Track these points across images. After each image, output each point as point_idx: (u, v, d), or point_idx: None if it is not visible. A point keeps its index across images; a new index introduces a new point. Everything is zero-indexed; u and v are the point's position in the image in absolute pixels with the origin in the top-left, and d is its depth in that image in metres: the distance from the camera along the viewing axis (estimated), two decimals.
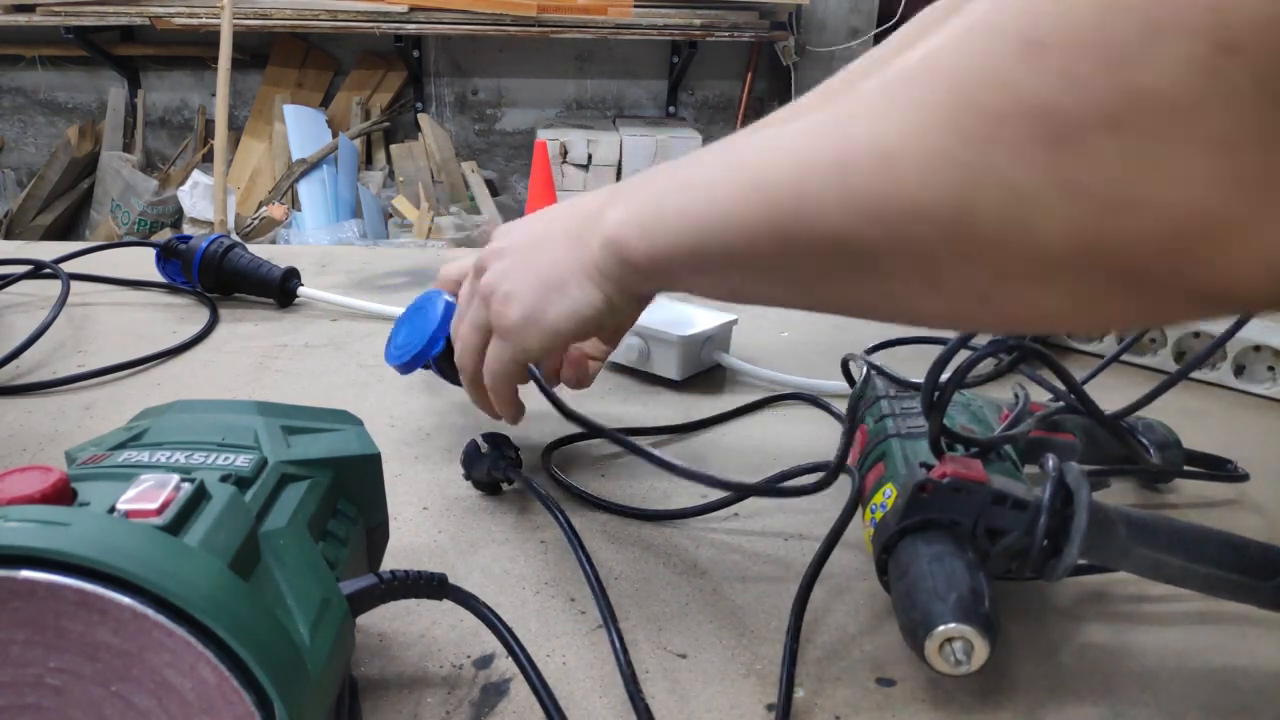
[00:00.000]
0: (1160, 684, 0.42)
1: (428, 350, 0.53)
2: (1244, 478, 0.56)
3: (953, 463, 0.42)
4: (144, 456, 0.34)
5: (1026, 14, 0.23)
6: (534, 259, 0.46)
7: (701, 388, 0.70)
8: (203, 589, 0.25)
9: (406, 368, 0.56)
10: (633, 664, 0.40)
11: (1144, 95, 0.21)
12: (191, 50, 3.05)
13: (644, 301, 0.48)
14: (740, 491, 0.50)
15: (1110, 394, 0.54)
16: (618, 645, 0.40)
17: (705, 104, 3.35)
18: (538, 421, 0.63)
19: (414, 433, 0.62)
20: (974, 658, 0.37)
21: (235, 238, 0.91)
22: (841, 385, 0.62)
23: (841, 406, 0.59)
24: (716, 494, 0.54)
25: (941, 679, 0.41)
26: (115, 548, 0.25)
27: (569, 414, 0.51)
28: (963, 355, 0.44)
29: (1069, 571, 0.40)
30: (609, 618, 0.42)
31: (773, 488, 0.49)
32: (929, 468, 0.41)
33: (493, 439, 0.54)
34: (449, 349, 0.53)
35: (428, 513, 0.53)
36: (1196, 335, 0.71)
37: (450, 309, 0.54)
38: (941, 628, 0.37)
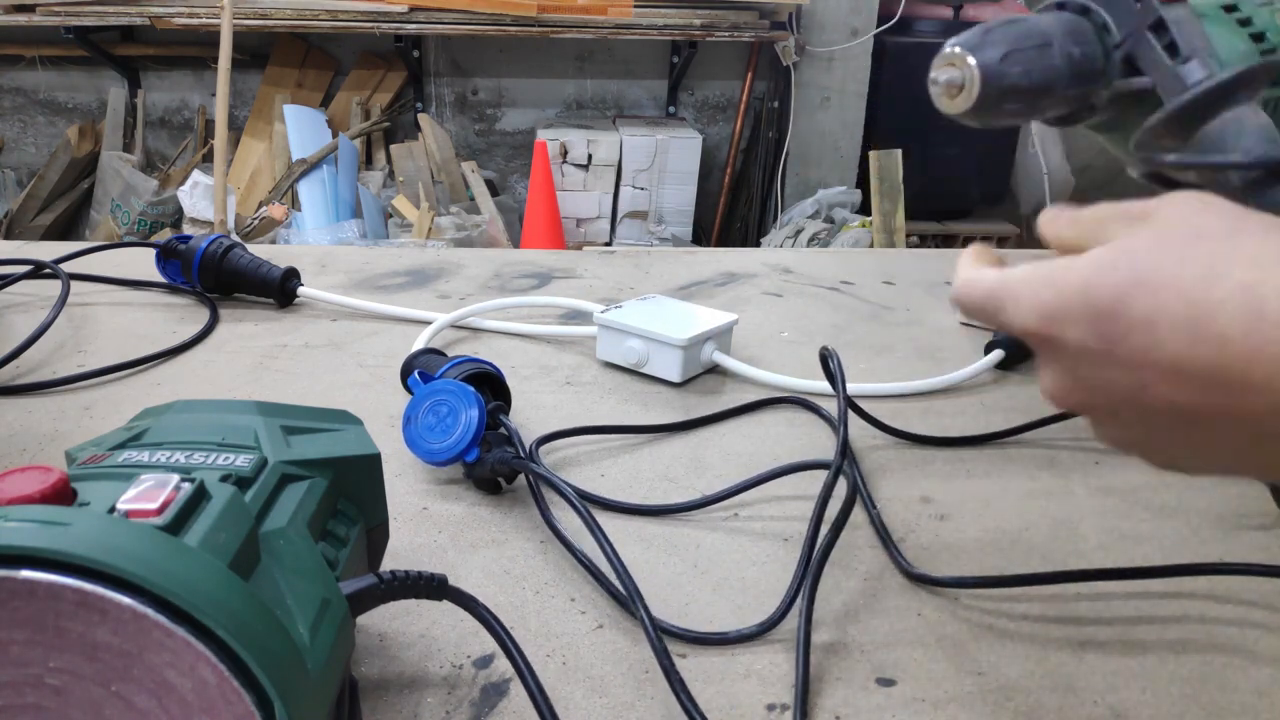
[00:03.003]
0: (1160, 684, 0.42)
1: (463, 456, 0.53)
2: None
3: None
4: (144, 456, 0.34)
5: None
6: (1179, 442, 0.30)
7: (701, 388, 0.70)
8: (203, 589, 0.25)
9: (437, 465, 0.56)
10: (657, 646, 0.40)
11: None
12: (191, 50, 3.05)
13: None
14: None
15: None
16: (647, 622, 0.40)
17: (705, 104, 3.35)
18: (536, 424, 0.63)
19: None
20: (958, 96, 0.34)
21: (235, 238, 0.91)
22: None
23: (835, 409, 0.59)
24: (715, 488, 0.54)
25: (941, 679, 0.42)
26: (115, 548, 0.25)
27: None
28: None
29: (1159, 154, 0.34)
30: (634, 593, 0.42)
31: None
32: None
33: (493, 438, 0.54)
34: (480, 458, 0.53)
35: (428, 513, 0.53)
36: None
37: (483, 420, 0.53)
38: (951, 48, 0.35)
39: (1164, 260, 0.28)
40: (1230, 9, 0.38)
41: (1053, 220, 0.34)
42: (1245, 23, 0.40)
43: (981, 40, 0.34)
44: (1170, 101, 0.34)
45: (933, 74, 0.35)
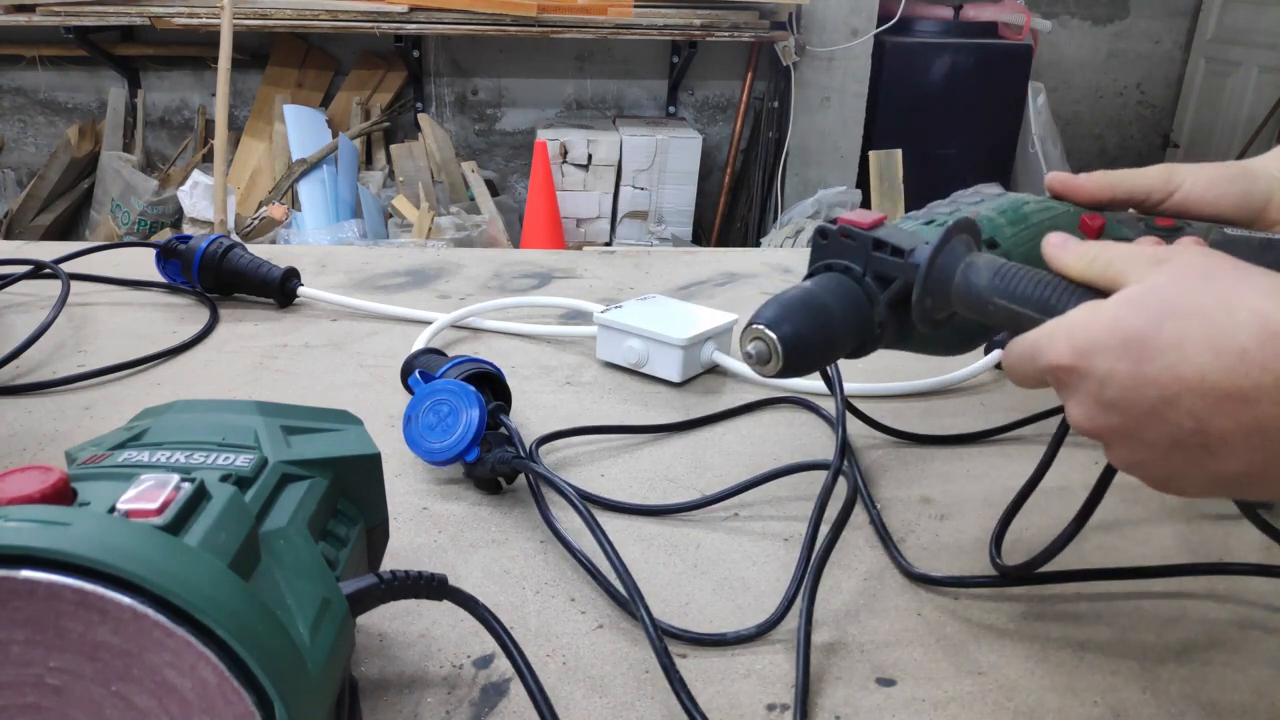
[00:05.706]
0: (1160, 684, 0.42)
1: (463, 456, 0.53)
2: None
3: (858, 214, 0.43)
4: (144, 456, 0.34)
5: None
6: (1189, 460, 0.34)
7: (701, 388, 0.70)
8: (203, 589, 0.25)
9: (437, 465, 0.56)
10: (658, 645, 0.40)
11: None
12: (191, 50, 3.04)
13: None
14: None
15: None
16: (648, 622, 0.40)
17: (705, 104, 3.35)
18: (536, 424, 0.63)
19: None
20: (769, 363, 0.41)
21: (235, 238, 0.91)
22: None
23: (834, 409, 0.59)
24: (715, 488, 0.54)
25: (941, 679, 0.42)
26: (115, 547, 0.25)
27: None
28: None
29: (931, 315, 0.41)
30: (634, 593, 0.42)
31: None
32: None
33: (494, 438, 0.54)
34: (480, 458, 0.53)
35: (428, 513, 0.53)
36: None
37: (483, 420, 0.53)
38: (754, 325, 0.41)
39: (1187, 295, 0.34)
40: (930, 221, 0.46)
41: (1060, 249, 0.39)
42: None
43: (774, 311, 0.41)
44: (918, 275, 0.41)
45: (747, 344, 0.42)
